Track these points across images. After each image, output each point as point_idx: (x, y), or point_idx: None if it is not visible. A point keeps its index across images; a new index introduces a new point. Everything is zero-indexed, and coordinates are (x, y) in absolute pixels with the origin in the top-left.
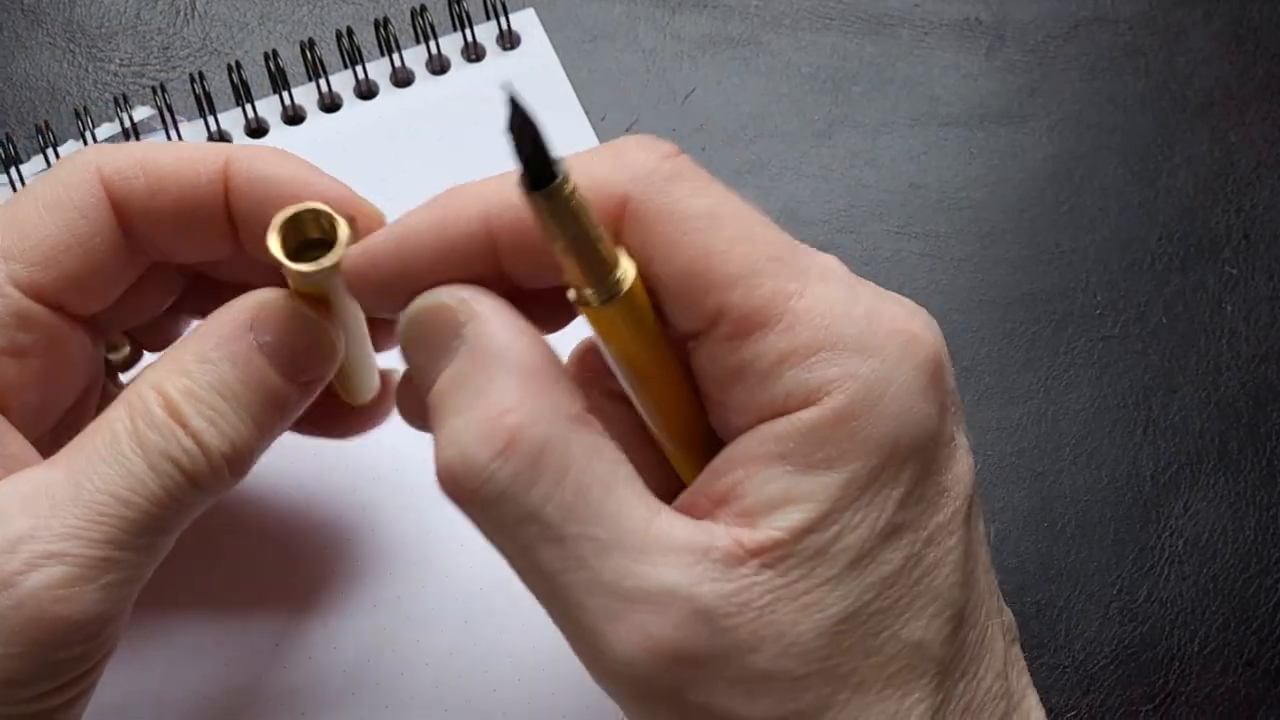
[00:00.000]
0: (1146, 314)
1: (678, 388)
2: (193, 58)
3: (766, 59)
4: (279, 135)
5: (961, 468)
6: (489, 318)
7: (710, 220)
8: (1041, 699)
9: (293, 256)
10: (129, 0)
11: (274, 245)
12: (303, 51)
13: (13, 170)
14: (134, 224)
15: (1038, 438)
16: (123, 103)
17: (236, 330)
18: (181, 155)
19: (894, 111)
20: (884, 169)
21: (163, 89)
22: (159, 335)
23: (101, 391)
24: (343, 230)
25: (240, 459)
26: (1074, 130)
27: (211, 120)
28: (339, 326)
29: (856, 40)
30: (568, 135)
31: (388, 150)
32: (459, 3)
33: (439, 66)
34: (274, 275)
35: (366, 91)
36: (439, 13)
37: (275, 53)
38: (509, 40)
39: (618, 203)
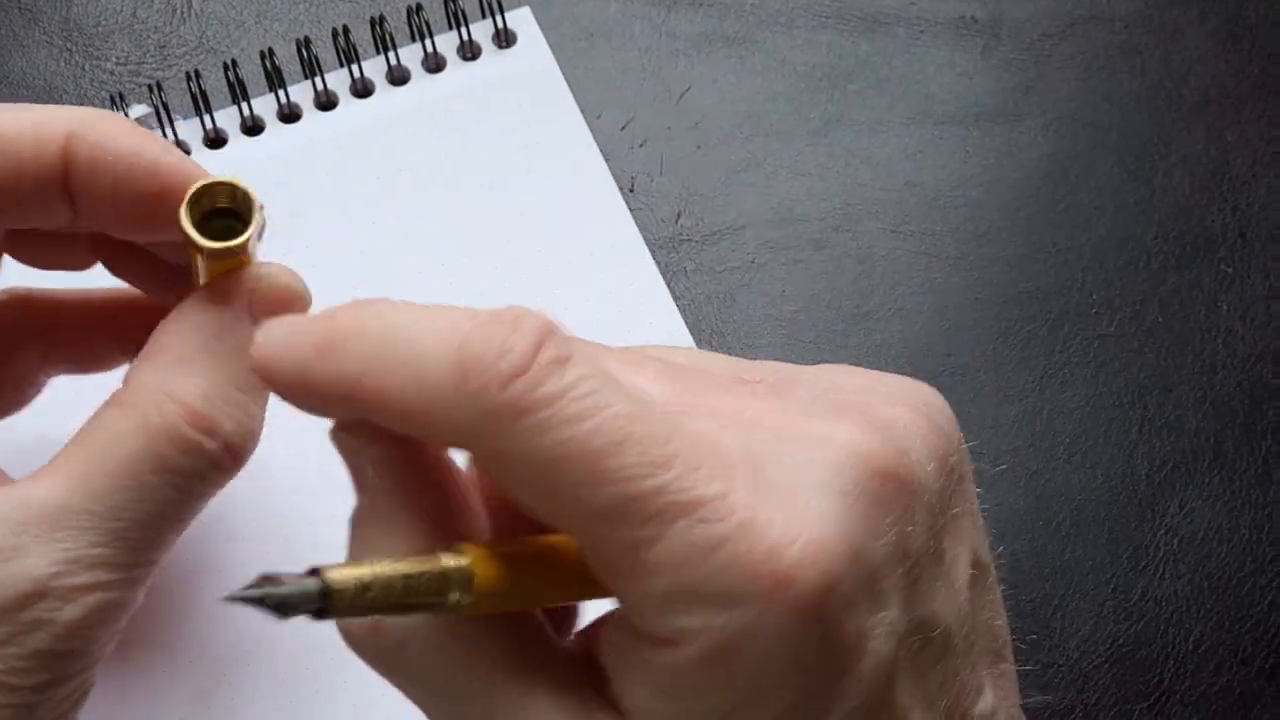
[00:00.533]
0: (1142, 313)
1: (566, 590)
2: (189, 56)
3: (762, 57)
4: (275, 133)
5: (865, 664)
6: (384, 459)
7: (551, 471)
8: (1036, 697)
9: (198, 229)
10: None
11: (187, 226)
12: (298, 50)
13: None
14: None
15: (1033, 436)
16: (119, 101)
17: (237, 317)
18: (20, 122)
19: (889, 110)
20: (880, 167)
21: (159, 87)
22: None
23: None
24: (255, 199)
25: (252, 446)
26: (1069, 129)
27: (208, 119)
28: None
29: (852, 38)
30: (563, 134)
31: (383, 148)
32: (454, 1)
33: (434, 65)
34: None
35: (362, 90)
36: (434, 11)
37: (271, 51)
38: (504, 39)
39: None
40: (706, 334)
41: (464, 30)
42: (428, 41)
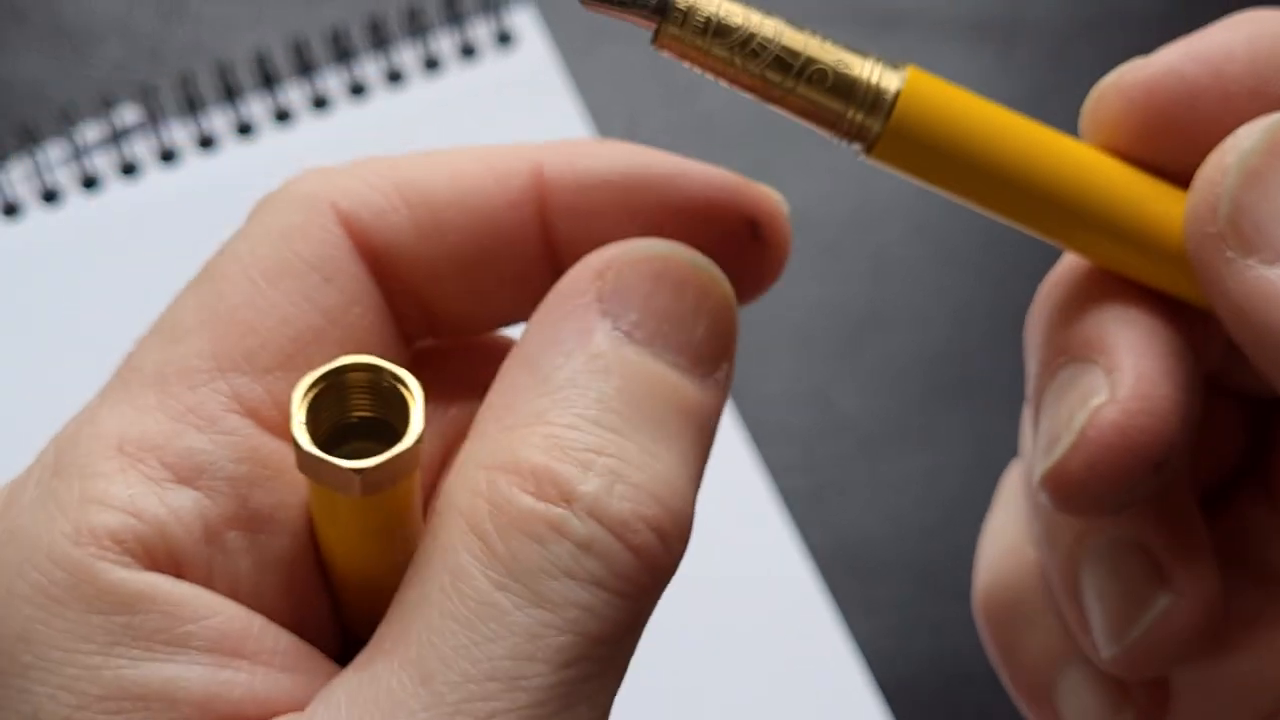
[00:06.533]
0: None
1: None
2: (181, 58)
3: None
4: (269, 136)
5: None
6: None
7: None
8: None
9: (326, 448)
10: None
11: (300, 432)
12: (296, 51)
13: None
14: (398, 283)
15: None
16: (109, 103)
17: (584, 316)
18: (461, 167)
19: None
20: None
21: (151, 90)
22: None
23: None
24: (414, 398)
25: (676, 514)
26: None
27: (202, 120)
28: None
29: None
30: (566, 137)
31: (380, 150)
32: (454, 1)
33: (433, 65)
34: None
35: (359, 91)
36: (433, 10)
37: (266, 52)
38: (505, 38)
39: None
40: None
41: (463, 30)
42: (426, 42)
